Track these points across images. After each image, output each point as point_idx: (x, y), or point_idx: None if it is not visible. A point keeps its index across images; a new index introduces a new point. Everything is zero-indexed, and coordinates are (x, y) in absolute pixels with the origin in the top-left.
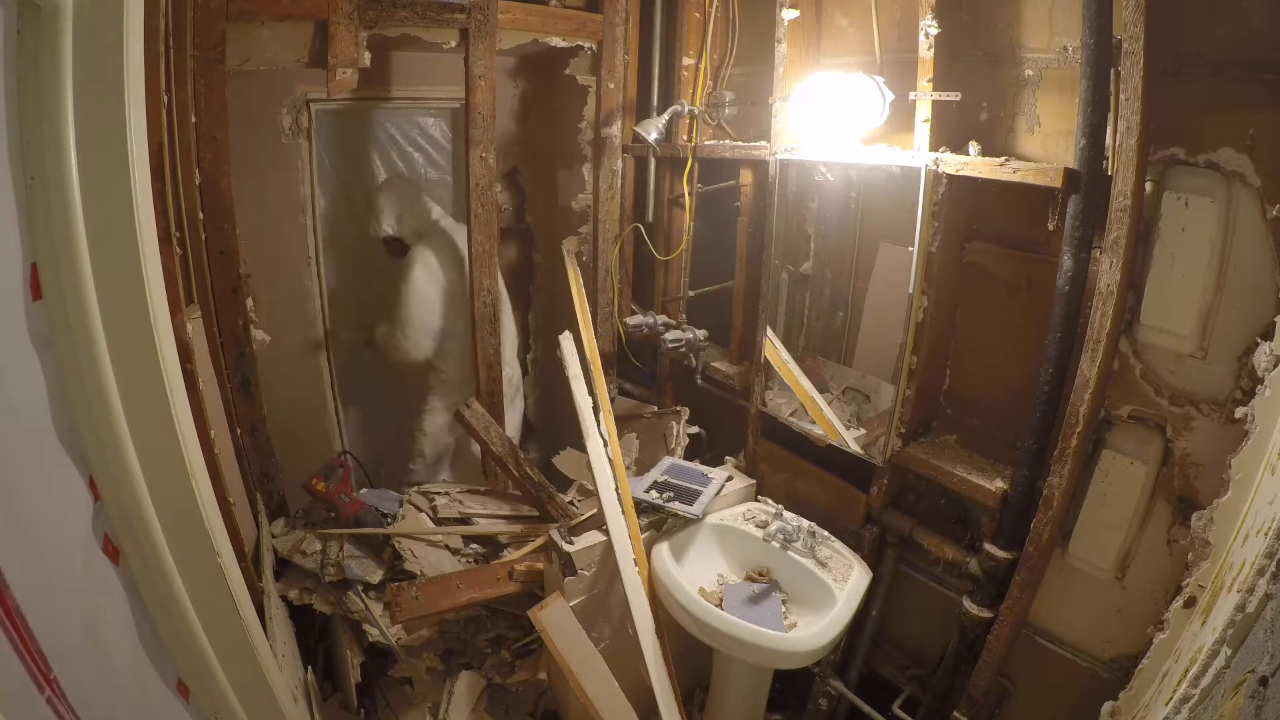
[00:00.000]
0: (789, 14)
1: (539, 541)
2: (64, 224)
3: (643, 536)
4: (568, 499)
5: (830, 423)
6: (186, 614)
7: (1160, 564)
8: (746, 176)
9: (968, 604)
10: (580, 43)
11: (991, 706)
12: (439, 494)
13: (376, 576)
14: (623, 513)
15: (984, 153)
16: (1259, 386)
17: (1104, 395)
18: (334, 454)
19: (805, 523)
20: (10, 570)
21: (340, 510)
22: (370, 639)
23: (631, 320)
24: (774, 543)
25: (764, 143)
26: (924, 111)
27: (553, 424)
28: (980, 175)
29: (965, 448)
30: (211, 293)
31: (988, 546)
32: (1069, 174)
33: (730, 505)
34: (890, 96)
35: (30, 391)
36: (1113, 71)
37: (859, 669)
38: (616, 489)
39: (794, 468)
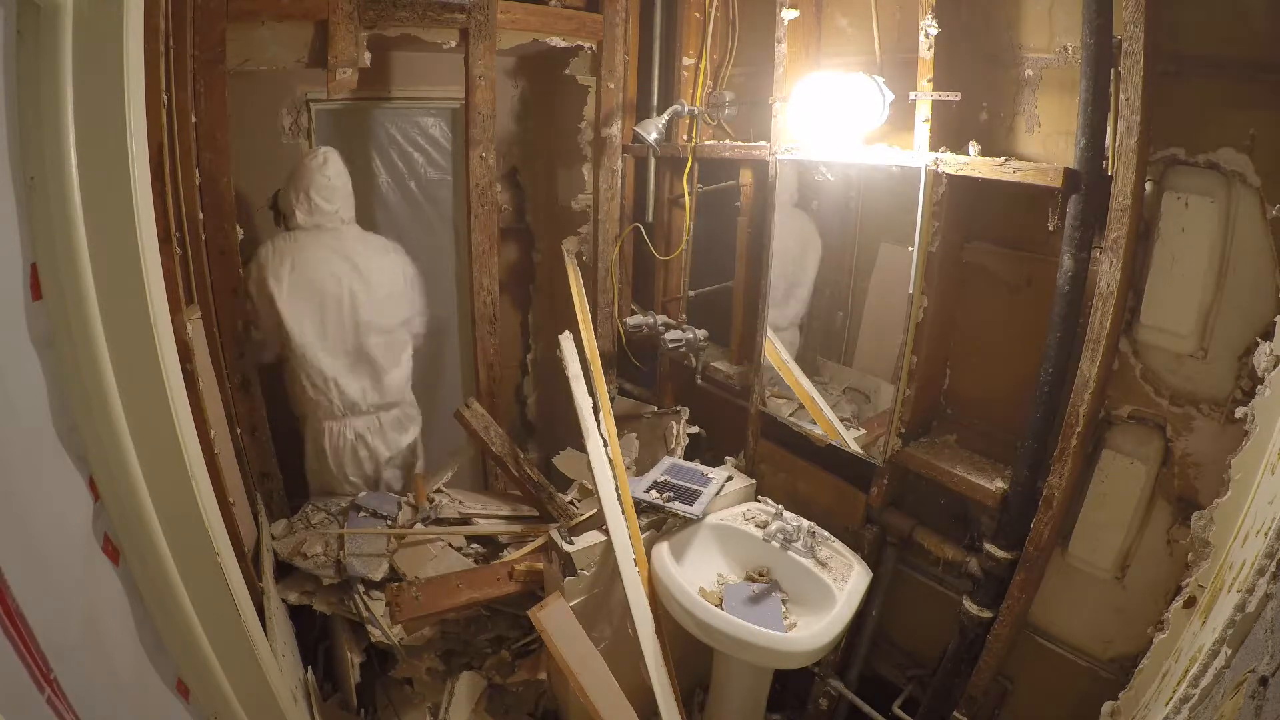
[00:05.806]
0: (789, 14)
1: (539, 541)
2: (64, 224)
3: (643, 536)
4: (568, 499)
5: (830, 423)
6: (186, 614)
7: (1160, 564)
8: (746, 176)
9: (968, 604)
10: (580, 43)
11: (991, 706)
12: (439, 494)
13: (378, 574)
14: (623, 513)
15: (984, 153)
16: (1259, 386)
17: (1104, 395)
18: None
19: (805, 523)
20: (10, 570)
21: None
22: (371, 639)
23: (631, 320)
24: (774, 543)
25: (764, 143)
26: (924, 111)
27: (553, 424)
28: (980, 175)
29: (965, 448)
30: (211, 293)
31: (988, 546)
32: (1069, 174)
33: (730, 505)
34: (890, 96)
35: (30, 392)
36: (1113, 71)
37: (859, 669)
38: (616, 489)
39: (794, 468)
